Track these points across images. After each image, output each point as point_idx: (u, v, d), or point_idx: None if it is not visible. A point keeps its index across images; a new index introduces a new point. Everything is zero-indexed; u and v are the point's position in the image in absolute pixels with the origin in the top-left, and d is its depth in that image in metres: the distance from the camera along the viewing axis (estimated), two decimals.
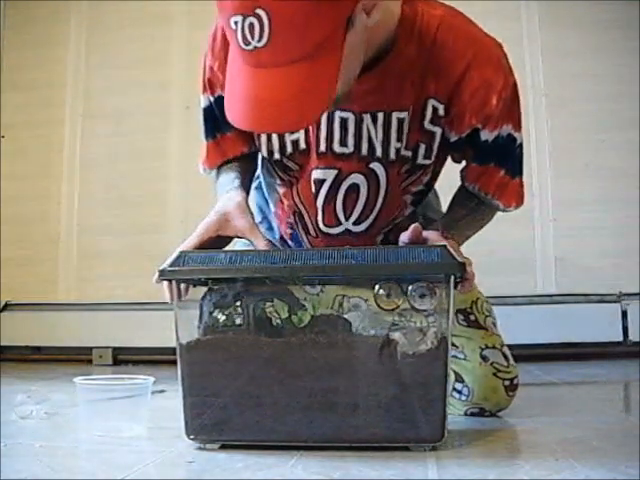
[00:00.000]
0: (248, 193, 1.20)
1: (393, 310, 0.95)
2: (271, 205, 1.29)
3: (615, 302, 2.31)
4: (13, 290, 2.57)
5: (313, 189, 1.16)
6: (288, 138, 1.15)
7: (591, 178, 2.43)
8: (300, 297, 0.99)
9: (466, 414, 1.20)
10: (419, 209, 1.28)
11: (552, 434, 1.04)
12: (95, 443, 1.00)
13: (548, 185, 2.46)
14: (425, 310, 0.94)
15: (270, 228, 1.32)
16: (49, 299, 2.58)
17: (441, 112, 1.10)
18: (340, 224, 1.18)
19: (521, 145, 1.15)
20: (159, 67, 2.66)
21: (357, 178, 1.14)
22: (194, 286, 0.99)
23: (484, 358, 1.19)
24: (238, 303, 0.97)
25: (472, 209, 1.20)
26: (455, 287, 0.93)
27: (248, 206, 1.10)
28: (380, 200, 1.16)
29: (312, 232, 1.21)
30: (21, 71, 2.74)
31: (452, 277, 0.92)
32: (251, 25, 0.86)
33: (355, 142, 1.12)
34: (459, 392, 1.19)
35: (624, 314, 2.29)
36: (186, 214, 2.55)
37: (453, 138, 1.13)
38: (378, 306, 0.95)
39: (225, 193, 1.13)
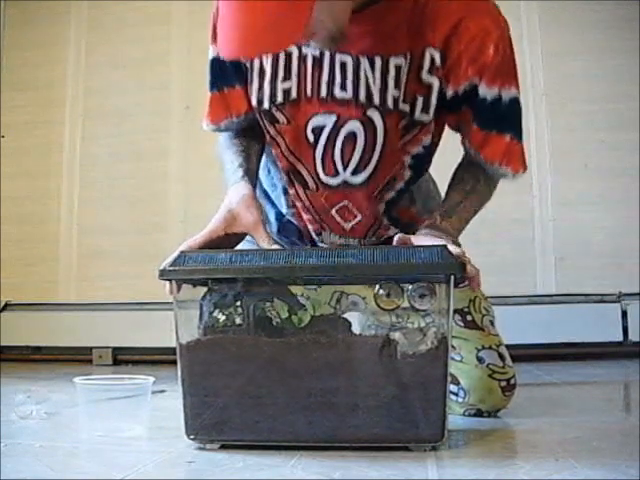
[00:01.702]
0: (256, 178, 1.19)
1: (393, 310, 0.95)
2: (263, 181, 1.28)
3: (615, 302, 2.32)
4: (13, 290, 2.57)
5: (311, 138, 1.15)
6: (280, 85, 1.14)
7: (591, 178, 2.44)
8: (298, 293, 0.99)
9: (464, 415, 1.20)
10: (419, 198, 1.26)
11: (552, 434, 1.04)
12: (95, 443, 1.00)
13: (548, 185, 2.46)
14: (425, 310, 0.94)
15: (273, 204, 1.31)
16: (49, 299, 2.58)
17: (438, 61, 1.09)
18: (338, 174, 1.17)
19: (522, 108, 1.14)
20: (159, 67, 2.66)
21: (354, 126, 1.13)
22: (194, 286, 0.99)
23: (480, 360, 1.18)
24: (238, 303, 0.97)
25: (468, 192, 1.17)
26: (456, 286, 0.93)
27: (255, 199, 1.10)
28: (377, 150, 1.14)
29: (311, 185, 1.20)
30: (21, 71, 2.74)
31: (452, 277, 0.92)
32: None
33: (353, 87, 1.11)
34: (455, 394, 1.19)
35: (624, 314, 2.29)
36: (186, 214, 2.55)
37: (450, 93, 1.12)
38: (378, 306, 0.96)
39: (232, 186, 1.12)
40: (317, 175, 1.18)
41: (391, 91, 1.11)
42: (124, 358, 2.41)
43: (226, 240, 1.06)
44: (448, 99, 1.12)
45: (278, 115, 1.17)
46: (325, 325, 0.97)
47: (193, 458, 0.90)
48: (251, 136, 1.23)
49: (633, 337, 2.27)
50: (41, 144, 2.70)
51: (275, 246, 1.04)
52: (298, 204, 1.24)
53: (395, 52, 1.09)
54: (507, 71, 1.12)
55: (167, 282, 0.96)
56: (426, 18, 1.08)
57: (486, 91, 1.11)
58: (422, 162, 1.22)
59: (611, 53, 2.46)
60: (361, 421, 0.91)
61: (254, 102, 1.18)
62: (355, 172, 1.17)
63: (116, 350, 2.42)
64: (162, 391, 1.45)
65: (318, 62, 1.12)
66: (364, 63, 1.10)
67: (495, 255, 2.32)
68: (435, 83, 1.11)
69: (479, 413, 1.19)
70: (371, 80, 1.11)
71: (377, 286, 0.96)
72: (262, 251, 1.00)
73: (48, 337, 2.48)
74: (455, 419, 1.15)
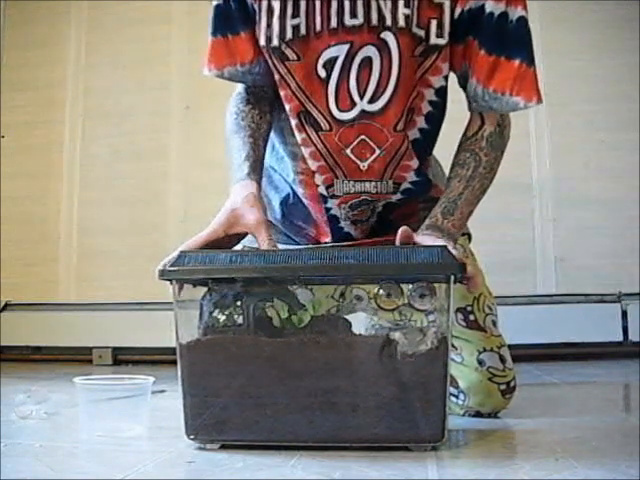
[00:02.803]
0: (262, 171, 1.16)
1: (393, 310, 0.95)
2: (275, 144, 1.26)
3: (615, 302, 2.31)
4: (13, 290, 2.57)
5: (323, 74, 1.13)
6: (289, 22, 1.12)
7: (591, 178, 2.43)
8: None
9: (464, 416, 1.20)
10: (430, 175, 1.25)
11: (552, 434, 1.04)
12: (95, 443, 1.00)
13: (548, 185, 2.46)
14: (425, 310, 0.94)
15: (277, 189, 1.29)
16: (49, 299, 2.58)
17: None
18: (354, 105, 1.14)
19: (531, 29, 1.11)
20: (159, 67, 2.66)
21: (369, 50, 1.11)
22: (194, 286, 0.99)
23: (480, 362, 1.18)
24: (238, 303, 0.96)
25: (469, 178, 1.13)
26: (456, 282, 0.93)
27: (259, 199, 1.07)
28: (394, 74, 1.12)
29: (324, 126, 1.16)
30: (21, 71, 2.74)
31: (452, 277, 0.92)
32: None
33: (364, 12, 1.10)
34: (455, 396, 1.19)
35: (624, 314, 2.29)
36: (186, 214, 2.55)
37: (458, 10, 1.10)
38: (378, 306, 0.96)
39: (236, 183, 1.10)
40: (330, 113, 1.15)
41: (401, 9, 1.09)
42: (124, 358, 2.41)
43: (227, 240, 1.05)
44: (456, 19, 1.10)
45: (288, 52, 1.14)
46: (325, 325, 0.97)
47: (193, 458, 0.90)
48: (259, 108, 1.20)
49: (633, 337, 2.27)
50: (41, 144, 2.70)
51: (281, 246, 1.03)
52: (309, 150, 1.19)
53: None
54: None
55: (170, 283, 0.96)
56: None
57: (493, 6, 1.08)
58: (443, 98, 1.19)
59: (611, 53, 2.45)
60: (361, 421, 0.91)
61: (262, 40, 1.15)
62: (372, 100, 1.13)
63: (116, 350, 2.42)
64: (162, 391, 1.45)
65: None
66: None
67: (495, 255, 2.32)
68: (447, 2, 1.09)
69: (479, 415, 1.19)
70: (382, 2, 1.09)
71: (377, 286, 0.96)
72: (262, 251, 1.00)
73: (48, 337, 2.48)
74: (455, 419, 1.15)
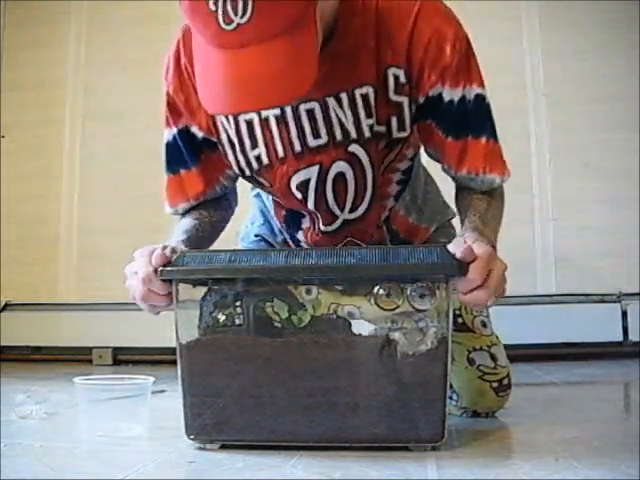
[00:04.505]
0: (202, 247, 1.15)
1: (393, 310, 0.95)
2: (270, 210, 1.27)
3: (615, 302, 2.31)
4: (13, 290, 2.57)
5: (299, 195, 1.13)
6: (250, 154, 1.13)
7: (591, 178, 2.43)
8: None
9: (461, 417, 1.20)
10: (414, 208, 1.25)
11: (552, 434, 1.04)
12: (95, 443, 1.00)
13: (548, 185, 2.46)
14: (425, 310, 0.94)
15: (272, 231, 1.31)
16: (49, 299, 2.58)
17: (402, 79, 1.07)
18: (337, 218, 1.15)
19: (490, 104, 1.10)
20: (159, 67, 2.64)
21: (340, 166, 1.11)
22: (194, 286, 0.99)
23: (470, 361, 1.18)
24: (238, 303, 0.97)
25: (487, 207, 1.12)
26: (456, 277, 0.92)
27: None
28: (369, 181, 1.13)
29: (312, 230, 1.19)
30: (21, 71, 2.74)
31: (452, 277, 0.92)
32: (234, 1, 0.85)
33: (327, 130, 1.09)
34: (449, 397, 1.19)
35: (624, 314, 2.29)
36: None
37: (421, 99, 1.08)
38: (378, 306, 0.95)
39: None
40: (315, 224, 1.18)
41: (364, 121, 1.08)
42: (124, 358, 2.41)
43: None
44: (415, 110, 1.10)
45: (261, 179, 1.16)
46: (325, 325, 0.97)
47: (193, 458, 0.90)
48: (211, 209, 1.21)
49: (633, 337, 2.26)
50: (41, 144, 2.70)
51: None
52: (302, 244, 1.23)
53: (359, 83, 1.07)
54: (467, 69, 1.07)
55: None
56: (380, 35, 1.05)
57: (451, 93, 1.07)
58: (409, 174, 1.21)
59: (611, 53, 2.45)
60: (361, 421, 0.91)
61: (237, 171, 1.17)
62: (352, 209, 1.15)
63: (116, 350, 2.42)
64: (162, 391, 1.45)
65: (282, 120, 1.09)
66: (331, 103, 1.07)
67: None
68: (405, 101, 1.08)
69: (476, 415, 1.19)
70: (343, 117, 1.08)
71: (377, 286, 0.96)
72: (262, 251, 1.00)
73: (48, 337, 2.48)
74: (454, 419, 1.15)
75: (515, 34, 2.47)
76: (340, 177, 1.12)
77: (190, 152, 1.18)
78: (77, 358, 2.41)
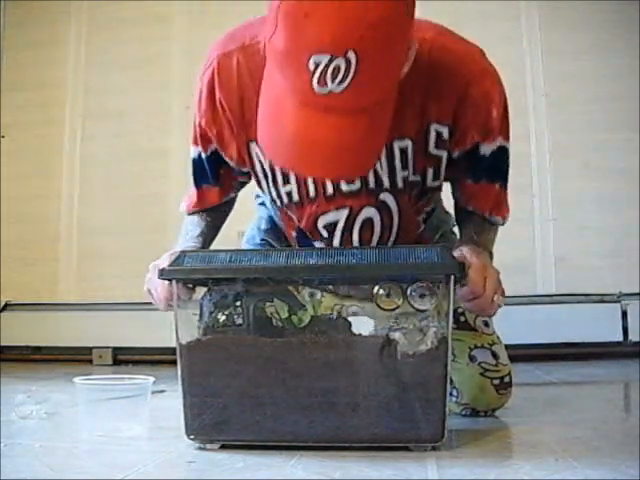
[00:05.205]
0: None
1: (393, 310, 0.95)
2: (280, 223, 1.26)
3: (615, 302, 2.31)
4: (13, 290, 2.57)
5: (325, 234, 1.14)
6: (282, 189, 1.13)
7: (591, 178, 2.43)
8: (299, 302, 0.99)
9: (461, 414, 1.20)
10: (434, 222, 1.26)
11: (552, 434, 1.04)
12: (95, 443, 1.00)
13: (548, 185, 2.46)
14: (425, 310, 0.94)
15: (279, 239, 1.30)
16: (49, 299, 2.58)
17: (445, 135, 1.07)
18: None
19: (509, 154, 1.13)
20: (159, 67, 2.66)
21: (369, 212, 1.12)
22: (194, 286, 0.99)
23: (472, 358, 1.19)
24: (238, 303, 0.97)
25: (479, 231, 1.15)
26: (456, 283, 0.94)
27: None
28: (395, 228, 1.14)
29: None
30: (21, 71, 2.74)
31: (452, 277, 0.92)
32: (336, 67, 0.81)
33: (361, 179, 1.09)
34: (449, 394, 1.19)
35: (624, 314, 2.29)
36: None
37: (455, 154, 1.11)
38: (378, 306, 0.95)
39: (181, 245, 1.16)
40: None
41: (399, 173, 1.09)
42: (124, 358, 2.41)
43: None
44: (450, 161, 1.12)
45: (289, 212, 1.17)
46: (325, 325, 0.97)
47: (193, 458, 0.90)
48: (218, 210, 1.23)
49: (633, 337, 2.26)
50: (41, 144, 2.70)
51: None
52: None
53: (399, 136, 1.06)
54: (504, 126, 1.10)
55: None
56: (429, 91, 1.04)
57: (486, 148, 1.09)
58: (432, 212, 1.23)
59: (611, 53, 2.45)
60: (361, 421, 0.91)
61: (269, 201, 1.19)
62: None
63: (116, 350, 2.42)
64: (162, 391, 1.45)
65: None
66: None
67: (495, 255, 2.32)
68: (444, 155, 1.10)
69: (475, 412, 1.19)
70: (378, 166, 1.08)
71: (377, 286, 0.96)
72: (262, 251, 1.00)
73: (48, 337, 2.48)
74: (454, 419, 1.15)
75: (515, 34, 2.47)
76: (367, 223, 1.13)
77: (212, 170, 1.18)
78: (77, 358, 2.41)
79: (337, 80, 0.82)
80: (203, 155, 1.16)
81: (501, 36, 2.46)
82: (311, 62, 0.82)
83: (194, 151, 1.18)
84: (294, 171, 1.01)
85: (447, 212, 1.35)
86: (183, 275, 0.95)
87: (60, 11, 2.74)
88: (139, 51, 2.66)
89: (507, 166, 1.15)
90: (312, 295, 0.99)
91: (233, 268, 0.94)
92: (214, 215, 1.23)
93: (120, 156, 2.65)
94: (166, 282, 0.99)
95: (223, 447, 0.94)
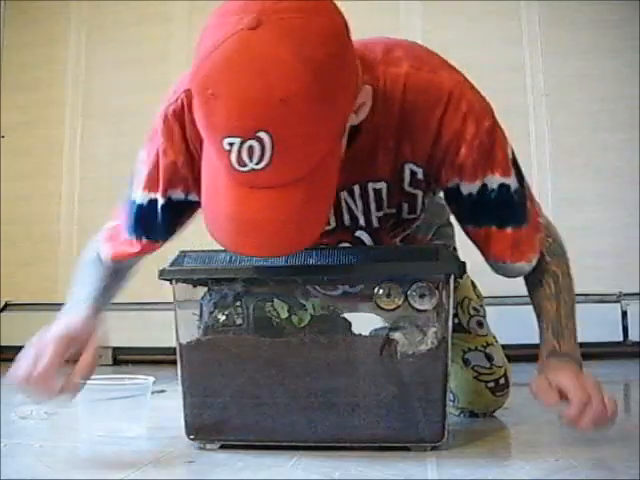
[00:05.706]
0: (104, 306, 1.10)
1: (393, 310, 0.95)
2: None
3: (615, 302, 2.31)
4: (13, 290, 2.57)
5: None
6: None
7: (591, 178, 2.43)
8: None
9: (459, 416, 1.20)
10: (427, 218, 1.20)
11: (552, 434, 1.04)
12: (95, 443, 1.01)
13: (548, 185, 2.45)
14: (425, 310, 0.94)
15: None
16: (49, 299, 2.57)
17: (420, 176, 1.01)
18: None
19: (518, 190, 1.01)
20: (159, 67, 2.65)
21: (345, 245, 1.07)
22: (194, 286, 0.99)
23: (465, 362, 1.19)
24: (238, 303, 0.97)
25: (557, 294, 1.10)
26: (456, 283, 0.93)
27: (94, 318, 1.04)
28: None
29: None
30: (21, 71, 2.74)
31: (452, 277, 0.92)
32: (250, 148, 0.78)
33: (336, 217, 1.04)
34: None
35: (624, 314, 2.29)
36: None
37: (439, 191, 1.06)
38: (378, 306, 0.95)
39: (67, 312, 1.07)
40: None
41: (374, 213, 1.04)
42: (124, 358, 2.41)
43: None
44: (436, 193, 1.07)
45: None
46: (325, 325, 0.97)
47: (193, 458, 0.90)
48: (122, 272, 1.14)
49: (633, 337, 2.26)
50: (41, 144, 2.70)
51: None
52: None
53: (373, 178, 1.01)
54: (487, 160, 0.98)
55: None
56: (403, 131, 0.98)
57: (469, 187, 0.99)
58: (415, 228, 1.16)
59: (611, 53, 2.45)
60: (361, 421, 0.91)
61: None
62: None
63: (116, 350, 2.42)
64: (162, 391, 1.45)
65: None
66: (343, 194, 1.02)
67: None
68: (419, 193, 1.04)
69: (474, 415, 1.19)
70: (353, 205, 1.03)
71: (377, 286, 0.96)
72: None
73: None
74: (454, 419, 1.16)
75: (515, 34, 2.47)
76: None
77: (167, 221, 1.04)
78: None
79: (254, 160, 0.78)
80: (160, 202, 1.03)
81: (501, 36, 2.46)
82: (225, 143, 0.79)
83: (142, 197, 1.06)
84: (231, 251, 0.92)
85: (441, 204, 1.31)
86: (183, 275, 0.95)
87: (60, 11, 2.74)
88: (139, 51, 2.66)
89: (518, 203, 1.02)
90: (306, 298, 0.99)
91: (233, 268, 0.94)
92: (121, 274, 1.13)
93: (120, 156, 2.64)
94: (60, 343, 0.96)
95: (223, 447, 0.94)
